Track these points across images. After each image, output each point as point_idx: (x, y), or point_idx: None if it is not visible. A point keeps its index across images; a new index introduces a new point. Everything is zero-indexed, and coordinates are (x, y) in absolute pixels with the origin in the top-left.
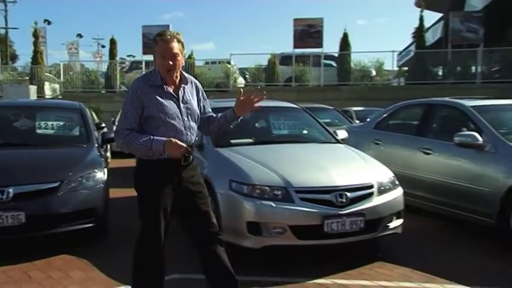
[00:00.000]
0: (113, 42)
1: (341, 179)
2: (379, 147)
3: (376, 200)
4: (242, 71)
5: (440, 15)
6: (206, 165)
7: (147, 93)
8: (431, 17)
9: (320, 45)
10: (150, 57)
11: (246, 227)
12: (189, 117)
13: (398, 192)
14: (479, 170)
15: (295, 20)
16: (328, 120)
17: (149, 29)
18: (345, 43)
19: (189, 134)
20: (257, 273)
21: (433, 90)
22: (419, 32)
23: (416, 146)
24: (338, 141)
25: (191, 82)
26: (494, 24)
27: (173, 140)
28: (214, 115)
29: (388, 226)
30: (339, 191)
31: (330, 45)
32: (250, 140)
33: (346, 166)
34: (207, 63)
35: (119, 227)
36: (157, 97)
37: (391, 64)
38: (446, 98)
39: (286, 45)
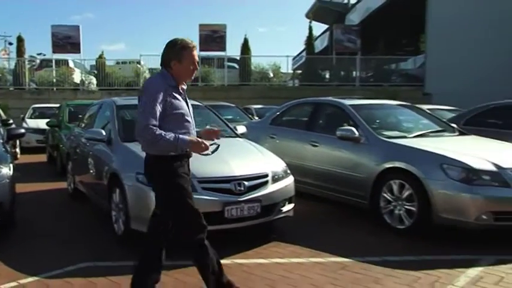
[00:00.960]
0: (20, 40)
1: (239, 169)
2: (274, 140)
3: (271, 188)
4: (152, 71)
5: (326, 26)
6: (114, 159)
7: (170, 93)
8: (321, 27)
9: (223, 49)
10: (60, 56)
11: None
12: (192, 115)
13: (290, 180)
14: (357, 160)
15: (201, 25)
16: (230, 117)
17: (58, 28)
18: (245, 47)
19: (194, 130)
20: (167, 258)
21: (322, 90)
22: (309, 40)
23: (306, 140)
24: (238, 136)
25: (185, 85)
26: (368, 37)
27: (199, 139)
28: None
29: (282, 210)
30: (237, 180)
31: (233, 49)
32: None
33: (244, 158)
34: (117, 63)
35: (26, 221)
36: (177, 96)
37: (286, 67)
38: (330, 98)
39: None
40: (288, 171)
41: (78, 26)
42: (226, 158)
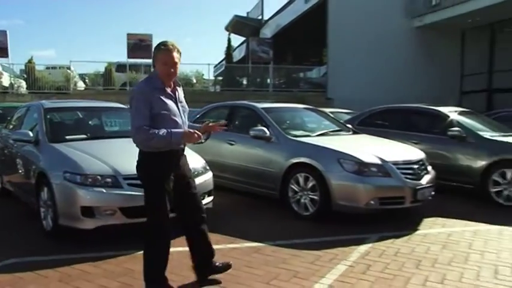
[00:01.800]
0: None
1: None
2: None
3: None
4: (82, 76)
5: (243, 38)
6: (41, 158)
7: (153, 94)
8: (239, 39)
9: (150, 56)
10: None
11: (80, 212)
12: (184, 115)
13: (209, 175)
14: (268, 156)
15: (128, 34)
16: None
17: None
18: None
19: (186, 128)
20: (94, 250)
21: (240, 95)
22: (228, 51)
23: (224, 139)
24: None
25: (180, 85)
26: (279, 49)
27: (190, 130)
28: None
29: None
30: None
31: None
32: (84, 136)
33: None
34: (47, 68)
35: None
36: (162, 97)
37: (208, 74)
38: (245, 101)
39: (122, 55)
40: (207, 168)
41: (6, 31)
42: None
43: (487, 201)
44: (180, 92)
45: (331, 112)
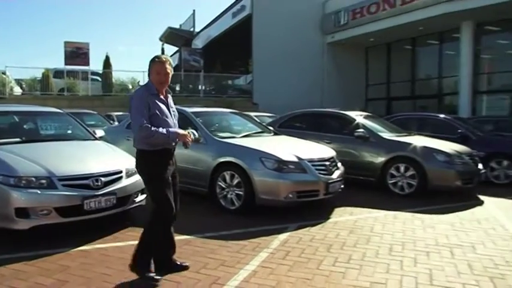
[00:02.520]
0: None
1: (96, 167)
2: (130, 142)
3: (125, 182)
4: (18, 82)
5: (177, 48)
6: None
7: (150, 98)
8: (173, 49)
9: (87, 63)
10: None
11: (14, 213)
12: (174, 118)
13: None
14: (198, 156)
15: (66, 42)
16: (93, 123)
17: None
18: (107, 63)
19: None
20: (29, 249)
21: (174, 100)
22: None
23: None
24: (96, 139)
25: (170, 93)
26: (209, 58)
27: (184, 131)
28: None
29: (135, 200)
30: (95, 177)
31: (97, 64)
32: (18, 139)
33: (101, 157)
34: None
35: None
36: (156, 101)
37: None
38: (176, 106)
39: (59, 61)
40: None
41: None
42: (85, 158)
43: (385, 192)
44: (170, 99)
45: (256, 116)
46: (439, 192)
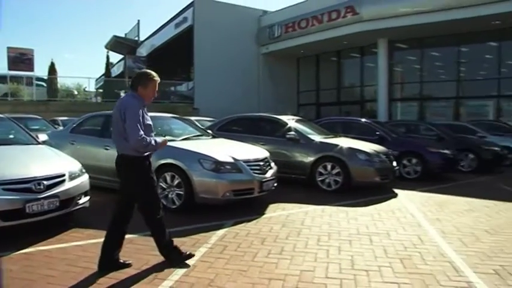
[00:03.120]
0: None
1: (38, 171)
2: (74, 146)
3: (68, 185)
4: None
5: (121, 56)
6: None
7: (142, 109)
8: (119, 56)
9: (32, 69)
10: None
11: None
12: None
13: (85, 177)
14: None
15: (9, 48)
16: (37, 127)
17: None
18: (52, 69)
19: None
20: None
21: None
22: (107, 66)
23: (100, 145)
24: (39, 143)
25: None
26: (153, 65)
27: (162, 139)
28: None
29: (78, 203)
30: (37, 180)
31: (43, 70)
32: None
33: (43, 161)
34: None
35: None
36: (145, 112)
37: (89, 86)
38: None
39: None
40: (83, 170)
41: None
42: (27, 162)
43: (315, 188)
44: None
45: (197, 120)
46: (361, 187)
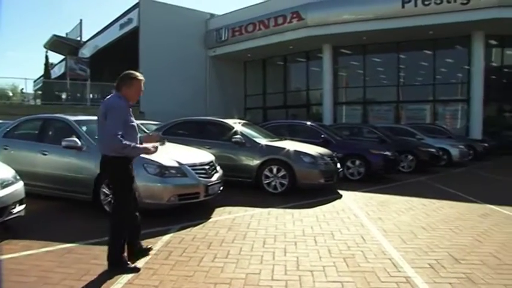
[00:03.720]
0: None
1: None
2: (8, 151)
3: (0, 193)
4: None
5: (63, 57)
6: None
7: (127, 109)
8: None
9: None
10: None
11: None
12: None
13: (20, 185)
14: (81, 164)
15: None
16: None
17: None
18: None
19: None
20: None
21: (60, 109)
22: (46, 67)
23: (37, 150)
24: None
25: None
26: (97, 67)
27: (147, 146)
28: None
29: (12, 212)
30: None
31: None
32: None
33: None
34: None
35: None
36: (130, 112)
37: (26, 88)
38: (57, 114)
39: None
40: (18, 177)
41: None
42: None
43: (261, 191)
44: None
45: (142, 123)
46: (306, 189)
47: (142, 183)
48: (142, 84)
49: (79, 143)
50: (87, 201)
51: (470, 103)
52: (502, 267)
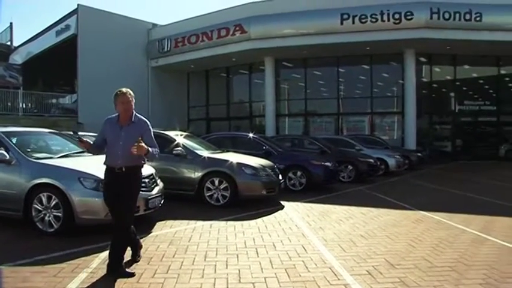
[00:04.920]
0: None
1: None
2: None
3: None
4: None
5: None
6: None
7: (109, 124)
8: None
9: None
10: None
11: None
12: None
13: None
14: (10, 179)
15: None
16: None
17: None
18: None
19: None
20: None
21: None
22: None
23: None
24: None
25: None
26: (30, 75)
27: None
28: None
29: None
30: None
31: None
32: None
33: None
34: None
35: None
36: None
37: None
38: None
39: None
40: None
41: None
42: None
43: (203, 204)
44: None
45: (81, 136)
46: (248, 201)
47: (79, 198)
48: (123, 99)
49: (7, 156)
50: (16, 218)
51: (404, 115)
52: (433, 270)
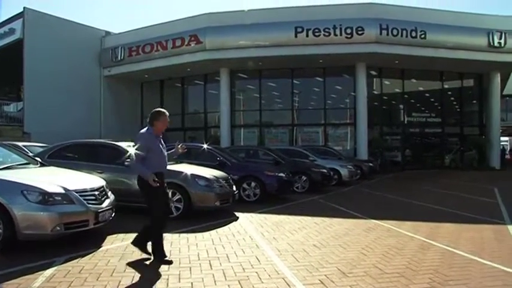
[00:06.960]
0: None
1: None
2: None
3: None
4: None
5: None
6: None
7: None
8: None
9: None
10: None
11: None
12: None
13: None
14: None
15: None
16: None
17: None
18: None
19: None
20: None
21: None
22: None
23: None
24: None
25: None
26: None
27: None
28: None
29: None
30: None
31: None
32: None
33: None
34: None
35: None
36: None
37: None
38: None
39: None
40: None
41: None
42: None
43: None
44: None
45: (26, 146)
46: (202, 212)
47: (22, 212)
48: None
49: None
50: None
51: (356, 126)
52: (383, 277)
